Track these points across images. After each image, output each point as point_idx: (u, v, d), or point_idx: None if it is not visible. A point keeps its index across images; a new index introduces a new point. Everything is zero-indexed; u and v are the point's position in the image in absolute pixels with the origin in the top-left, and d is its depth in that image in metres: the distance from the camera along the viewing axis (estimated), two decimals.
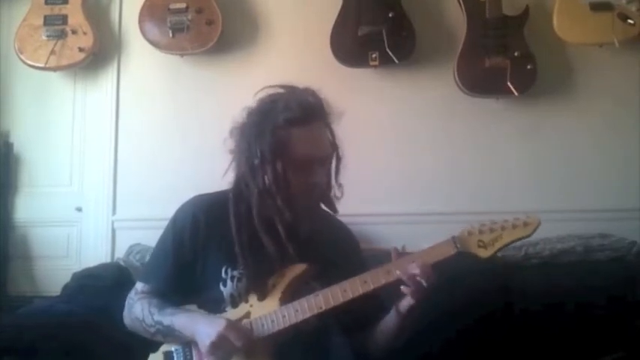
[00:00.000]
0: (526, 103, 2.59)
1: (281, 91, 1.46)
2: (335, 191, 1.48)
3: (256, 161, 1.39)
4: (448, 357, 1.93)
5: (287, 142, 1.37)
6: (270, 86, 1.47)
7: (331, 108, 1.45)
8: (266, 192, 1.39)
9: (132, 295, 1.53)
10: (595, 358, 1.90)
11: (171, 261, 1.47)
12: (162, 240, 1.52)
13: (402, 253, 1.37)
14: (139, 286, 1.53)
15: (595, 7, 2.44)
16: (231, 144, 1.46)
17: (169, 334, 1.41)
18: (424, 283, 1.29)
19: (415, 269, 1.30)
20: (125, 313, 1.53)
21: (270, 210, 1.40)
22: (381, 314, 1.46)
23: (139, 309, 1.47)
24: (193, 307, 1.43)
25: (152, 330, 1.43)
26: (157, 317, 1.42)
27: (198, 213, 1.48)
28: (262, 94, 1.46)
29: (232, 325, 1.33)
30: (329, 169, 1.47)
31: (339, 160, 1.47)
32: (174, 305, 1.44)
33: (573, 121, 2.62)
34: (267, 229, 1.40)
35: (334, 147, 1.46)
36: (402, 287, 1.32)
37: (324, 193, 1.46)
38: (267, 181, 1.38)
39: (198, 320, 1.38)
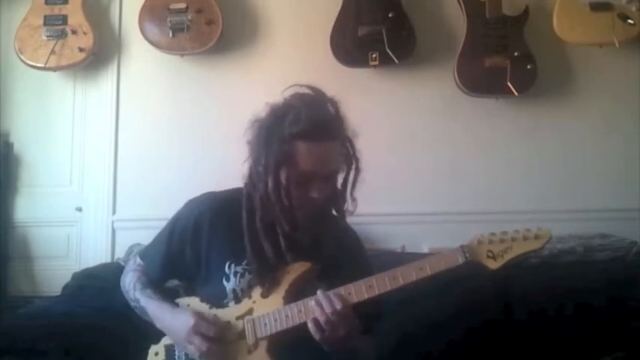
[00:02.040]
0: (526, 103, 2.59)
1: (307, 91, 1.42)
2: (348, 205, 1.45)
3: (260, 168, 1.39)
4: (448, 357, 1.92)
5: (290, 155, 1.34)
6: (300, 85, 1.43)
7: (349, 124, 1.41)
8: (267, 199, 1.38)
9: (131, 262, 1.60)
10: (595, 358, 1.90)
11: (162, 252, 1.51)
12: (165, 228, 1.54)
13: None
14: (138, 259, 1.58)
15: (595, 8, 2.44)
16: (248, 136, 1.43)
17: (144, 314, 1.48)
18: (324, 324, 1.27)
19: (326, 307, 1.27)
20: (122, 277, 1.58)
21: (272, 216, 1.40)
22: (376, 323, 1.45)
23: (129, 279, 1.53)
24: (195, 300, 1.45)
25: (132, 304, 1.51)
26: (137, 294, 1.49)
27: (205, 211, 1.48)
28: (287, 94, 1.42)
29: (200, 316, 1.36)
30: (339, 183, 1.44)
31: (357, 173, 1.44)
32: (157, 289, 1.49)
33: (573, 121, 2.63)
34: (267, 235, 1.40)
35: (352, 161, 1.43)
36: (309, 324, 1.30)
37: (330, 206, 1.45)
38: (268, 189, 1.38)
39: (165, 317, 1.42)
